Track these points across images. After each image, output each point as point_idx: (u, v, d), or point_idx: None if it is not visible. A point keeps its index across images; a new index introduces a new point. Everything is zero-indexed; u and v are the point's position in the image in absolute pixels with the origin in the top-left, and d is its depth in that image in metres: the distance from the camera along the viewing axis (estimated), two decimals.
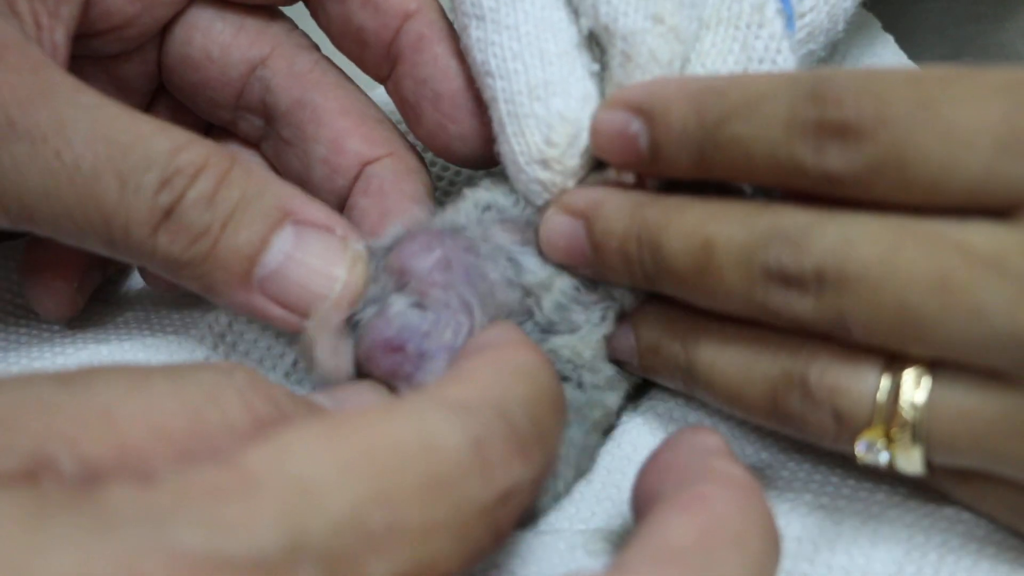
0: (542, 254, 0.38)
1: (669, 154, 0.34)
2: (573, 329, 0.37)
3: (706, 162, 0.33)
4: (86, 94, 0.34)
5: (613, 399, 0.38)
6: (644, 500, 0.30)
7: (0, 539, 0.20)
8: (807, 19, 0.38)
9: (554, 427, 0.29)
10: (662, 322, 0.37)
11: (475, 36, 0.38)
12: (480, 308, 0.36)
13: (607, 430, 0.39)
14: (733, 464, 0.29)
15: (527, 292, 0.37)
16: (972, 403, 0.30)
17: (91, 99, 0.34)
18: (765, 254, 0.31)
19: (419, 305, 0.35)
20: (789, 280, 0.31)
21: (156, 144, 0.34)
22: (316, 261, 0.36)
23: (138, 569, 0.20)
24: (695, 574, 0.25)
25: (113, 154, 0.33)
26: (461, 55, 0.40)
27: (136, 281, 0.46)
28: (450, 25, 0.40)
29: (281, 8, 0.43)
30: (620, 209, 0.35)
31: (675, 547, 0.26)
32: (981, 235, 0.29)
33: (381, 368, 0.35)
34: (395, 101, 0.41)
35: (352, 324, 0.36)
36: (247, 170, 0.35)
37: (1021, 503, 0.31)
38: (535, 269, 0.37)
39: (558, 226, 0.37)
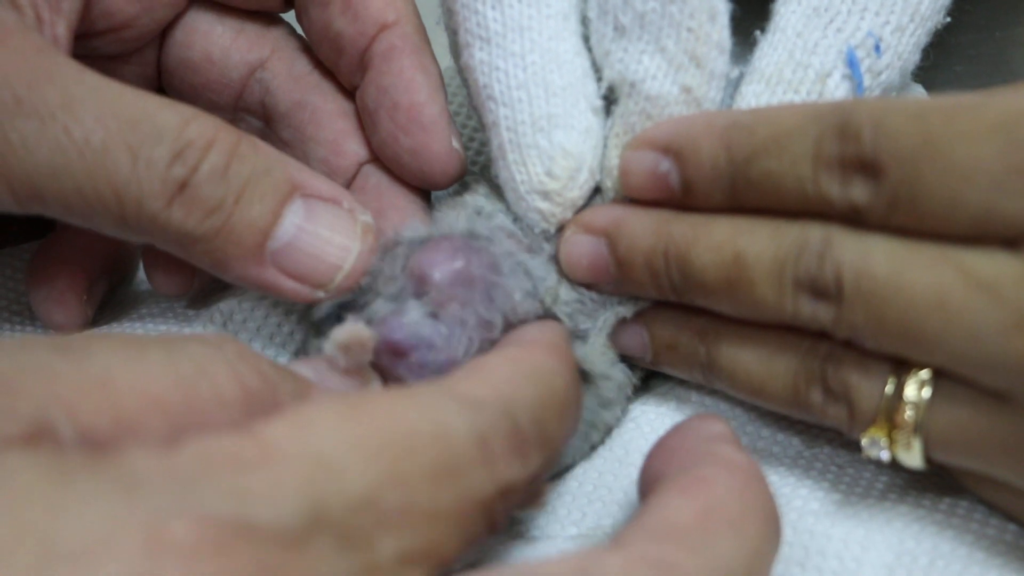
0: (547, 262, 0.38)
1: (702, 190, 0.35)
2: (583, 336, 0.38)
3: (738, 196, 0.34)
4: (90, 74, 0.35)
5: (612, 416, 0.39)
6: (649, 483, 0.31)
7: (25, 500, 0.21)
8: (882, 77, 0.38)
9: (558, 432, 0.29)
10: (677, 321, 0.37)
11: (478, 58, 0.38)
12: (501, 325, 0.36)
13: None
14: (736, 450, 0.30)
15: (543, 304, 0.38)
16: (968, 415, 0.31)
17: (95, 79, 0.34)
18: (796, 266, 0.32)
19: (434, 315, 0.35)
20: (818, 290, 0.32)
21: (164, 118, 0.34)
22: (327, 232, 0.36)
23: (164, 531, 0.21)
24: (691, 552, 0.26)
25: (123, 128, 0.33)
26: (427, 71, 0.40)
27: (128, 291, 0.46)
28: (425, 40, 0.41)
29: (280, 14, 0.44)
30: (644, 226, 0.36)
31: (673, 526, 0.26)
32: (983, 260, 0.30)
33: (379, 361, 0.35)
34: (359, 108, 0.41)
35: (364, 314, 0.36)
36: (254, 144, 0.36)
37: (1016, 500, 0.33)
38: (545, 277, 0.38)
39: (579, 245, 0.37)
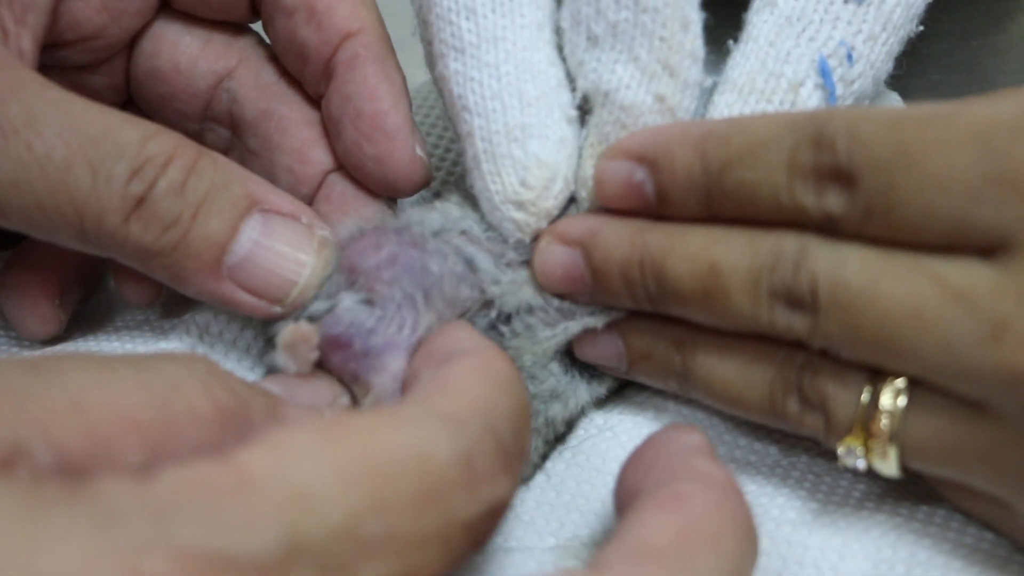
0: (502, 263, 0.38)
1: (677, 200, 0.35)
2: (531, 337, 0.38)
3: (713, 206, 0.34)
4: (53, 89, 0.35)
5: (557, 410, 0.39)
6: (626, 496, 0.31)
7: (1, 533, 0.20)
8: (855, 86, 0.38)
9: (529, 439, 0.30)
10: (653, 331, 0.37)
11: (453, 68, 0.38)
12: (424, 301, 0.36)
13: (557, 439, 0.40)
14: (713, 463, 0.30)
15: (487, 299, 0.38)
16: (943, 423, 0.31)
17: (59, 94, 0.35)
18: (771, 276, 0.32)
19: (368, 302, 0.36)
20: (793, 300, 0.32)
21: (126, 134, 0.34)
22: (284, 247, 0.37)
23: (140, 565, 0.21)
24: (672, 573, 0.25)
25: (84, 145, 0.34)
26: (391, 80, 0.40)
27: (102, 300, 0.46)
28: (389, 49, 0.41)
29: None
30: (619, 236, 0.36)
31: (653, 546, 0.26)
32: (958, 270, 0.30)
33: (331, 364, 0.36)
34: (324, 117, 0.41)
35: (308, 318, 0.36)
36: (214, 160, 0.36)
37: (992, 509, 0.33)
38: (491, 271, 0.38)
39: (554, 255, 0.37)
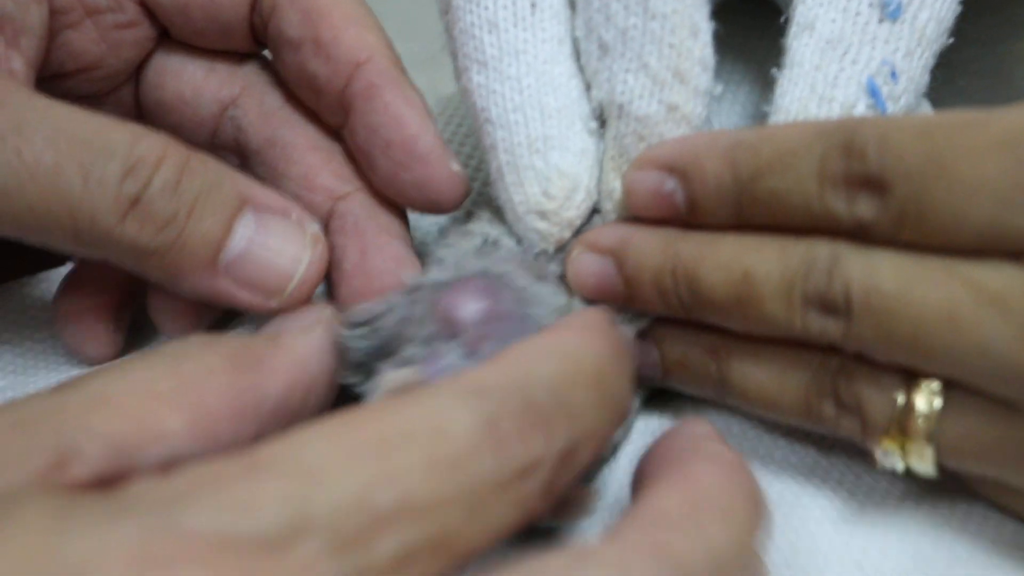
0: (556, 285, 0.38)
1: (707, 209, 0.35)
2: None
3: (744, 214, 0.35)
4: (39, 98, 0.36)
5: (619, 434, 0.39)
6: (639, 486, 0.32)
7: (28, 533, 0.22)
8: (901, 102, 0.38)
9: (591, 407, 0.28)
10: (687, 338, 0.38)
11: (476, 81, 0.39)
12: None
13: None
14: (721, 444, 0.31)
15: None
16: (979, 424, 0.31)
17: (45, 101, 0.36)
18: (804, 283, 0.33)
19: (470, 356, 0.35)
20: (827, 307, 0.32)
21: (115, 136, 0.35)
22: (278, 243, 0.37)
23: (149, 550, 0.22)
24: (683, 539, 0.26)
25: (73, 148, 0.34)
26: (412, 103, 0.40)
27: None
28: (402, 71, 0.41)
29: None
30: (651, 244, 0.37)
31: (664, 514, 0.27)
32: (991, 273, 0.30)
33: None
34: (351, 148, 0.42)
35: (397, 360, 0.36)
36: (204, 160, 0.37)
37: None
38: (555, 301, 0.38)
39: (587, 265, 0.38)
